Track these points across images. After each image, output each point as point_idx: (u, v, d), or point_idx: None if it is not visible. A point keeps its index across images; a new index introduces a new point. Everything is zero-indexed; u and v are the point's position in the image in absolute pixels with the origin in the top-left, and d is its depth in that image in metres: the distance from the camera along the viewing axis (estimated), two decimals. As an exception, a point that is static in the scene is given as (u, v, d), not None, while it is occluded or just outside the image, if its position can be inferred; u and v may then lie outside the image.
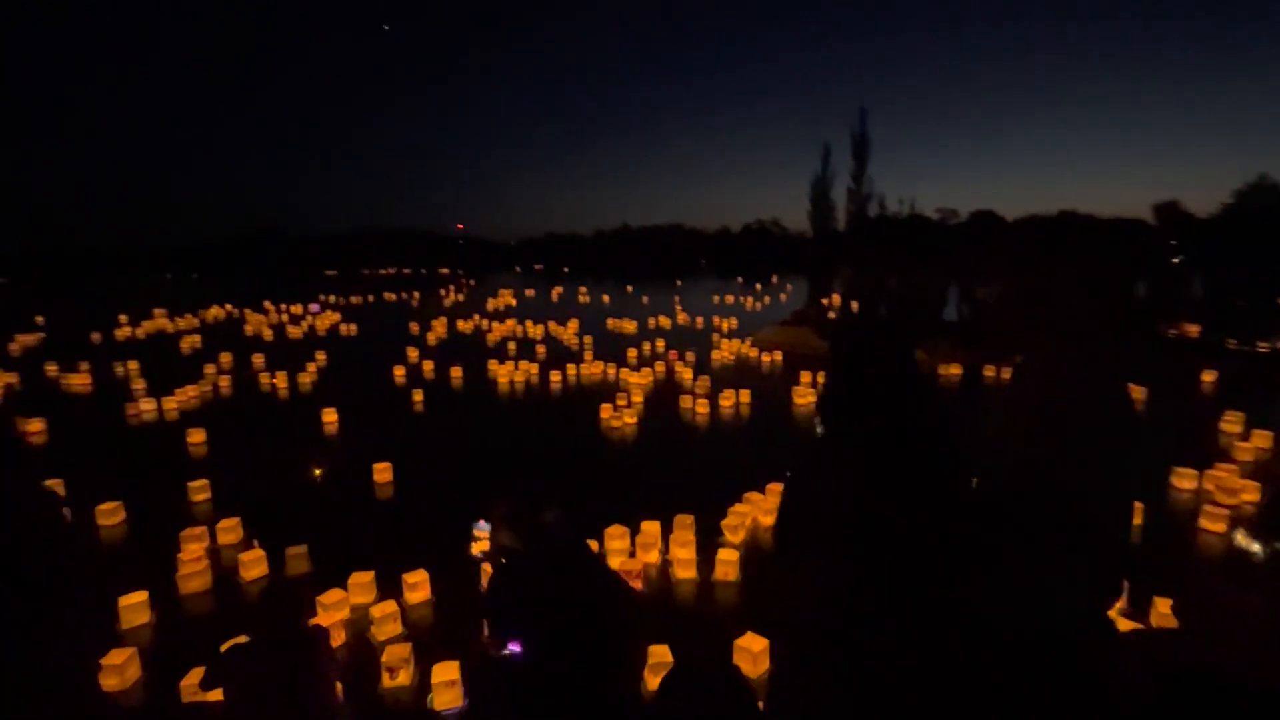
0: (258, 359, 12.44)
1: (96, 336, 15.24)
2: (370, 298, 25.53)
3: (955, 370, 10.60)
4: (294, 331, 16.82)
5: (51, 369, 11.38)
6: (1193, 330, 12.75)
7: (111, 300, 24.34)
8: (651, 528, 4.64)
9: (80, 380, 10.74)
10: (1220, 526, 4.86)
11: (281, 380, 10.66)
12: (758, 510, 5.09)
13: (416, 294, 27.61)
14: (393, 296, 26.54)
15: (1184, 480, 5.74)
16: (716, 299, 23.64)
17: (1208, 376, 9.69)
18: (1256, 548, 2.12)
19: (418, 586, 3.98)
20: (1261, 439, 6.80)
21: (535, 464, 6.77)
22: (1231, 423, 7.32)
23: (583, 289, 28.28)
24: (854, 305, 14.19)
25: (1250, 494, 5.44)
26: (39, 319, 18.36)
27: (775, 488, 5.42)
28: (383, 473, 6.13)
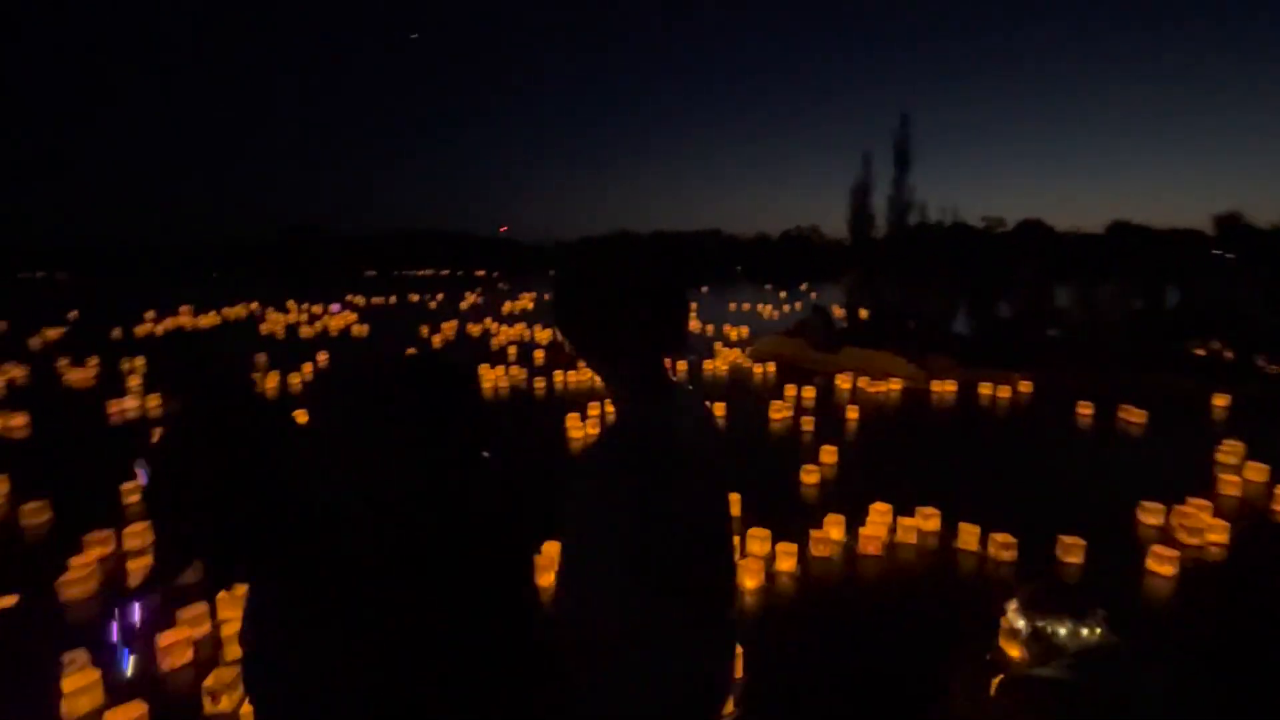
0: (260, 358, 12.79)
1: (117, 332, 15.96)
2: (393, 299, 26.10)
3: (950, 388, 10.12)
4: (306, 331, 17.28)
5: (63, 363, 11.93)
6: (1227, 351, 11.89)
7: (146, 296, 25.49)
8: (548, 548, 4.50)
9: (84, 375, 11.22)
10: (1169, 570, 4.44)
11: (272, 380, 10.93)
12: None
13: (440, 295, 28.07)
14: (416, 297, 27.08)
15: (1149, 515, 5.29)
16: (733, 306, 23.29)
17: (1219, 400, 8.99)
18: (1021, 625, 1.85)
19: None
20: (1256, 472, 6.24)
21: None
22: (1228, 453, 6.74)
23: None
24: (837, 312, 13.83)
25: (1218, 534, 4.97)
26: (72, 314, 19.37)
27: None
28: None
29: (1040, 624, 1.67)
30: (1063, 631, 1.65)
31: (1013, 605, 1.75)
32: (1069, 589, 1.77)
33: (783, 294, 29.33)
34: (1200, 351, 11.74)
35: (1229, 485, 5.94)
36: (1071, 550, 4.60)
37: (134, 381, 10.53)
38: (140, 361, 12.05)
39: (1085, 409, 8.75)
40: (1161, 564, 4.46)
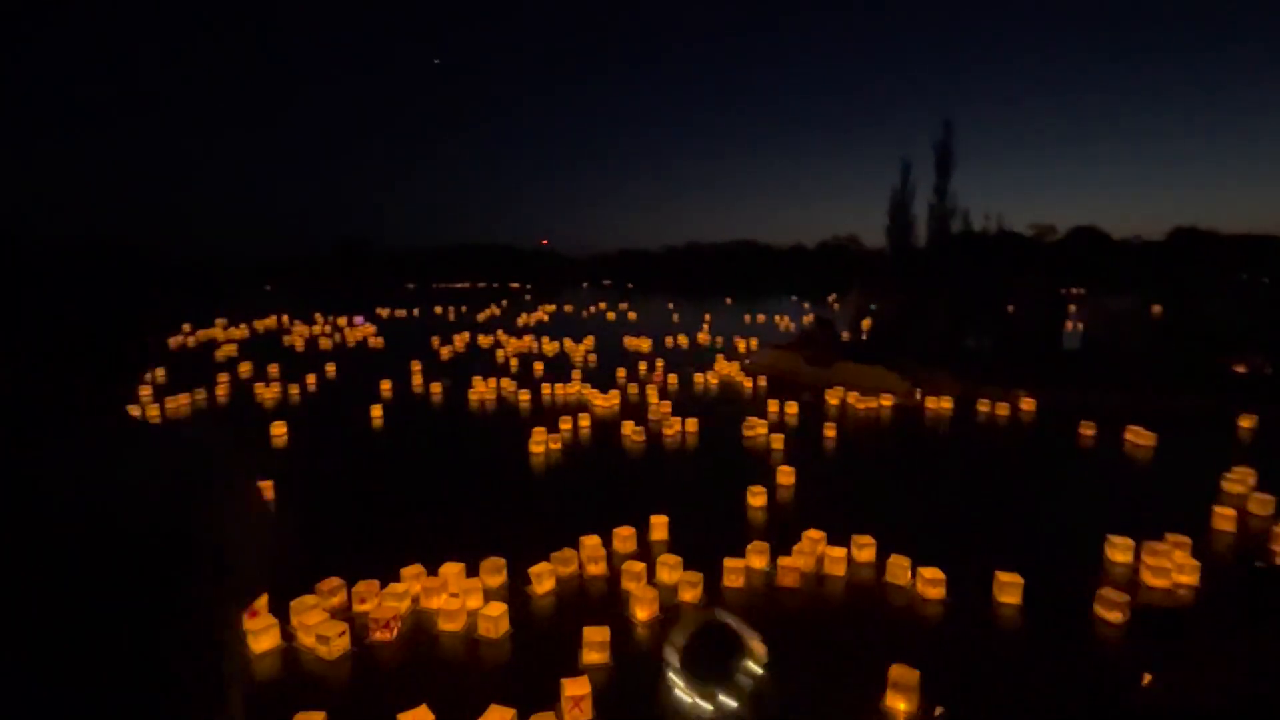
0: (273, 369, 13.16)
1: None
2: (416, 311, 26.63)
3: (946, 405, 9.56)
4: (325, 344, 17.76)
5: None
6: (1268, 367, 10.91)
7: (190, 308, 26.70)
8: (453, 569, 4.36)
9: (103, 385, 11.76)
10: (1117, 617, 3.97)
11: (274, 391, 11.22)
12: (559, 565, 4.60)
13: (464, 308, 28.54)
14: (440, 310, 27.58)
15: (1116, 552, 4.79)
16: (747, 318, 22.85)
17: (1245, 421, 8.18)
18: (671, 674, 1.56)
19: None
20: (1260, 504, 5.60)
21: (431, 484, 6.67)
22: (1235, 481, 6.09)
23: (623, 305, 28.31)
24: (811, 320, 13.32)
25: (1189, 576, 4.44)
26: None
27: (623, 532, 5.01)
28: (264, 490, 6.20)
29: (687, 672, 1.42)
30: (709, 682, 1.40)
31: (668, 649, 1.50)
32: (723, 630, 1.48)
33: (806, 304, 28.69)
34: (1240, 368, 10.80)
35: (1223, 519, 5.34)
36: (1007, 589, 4.18)
37: (145, 391, 10.93)
38: (161, 372, 12.56)
39: (1088, 429, 8.12)
40: (1110, 609, 3.99)
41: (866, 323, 13.14)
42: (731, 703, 1.40)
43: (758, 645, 1.52)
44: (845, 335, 13.81)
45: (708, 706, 1.37)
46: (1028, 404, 9.39)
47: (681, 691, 1.42)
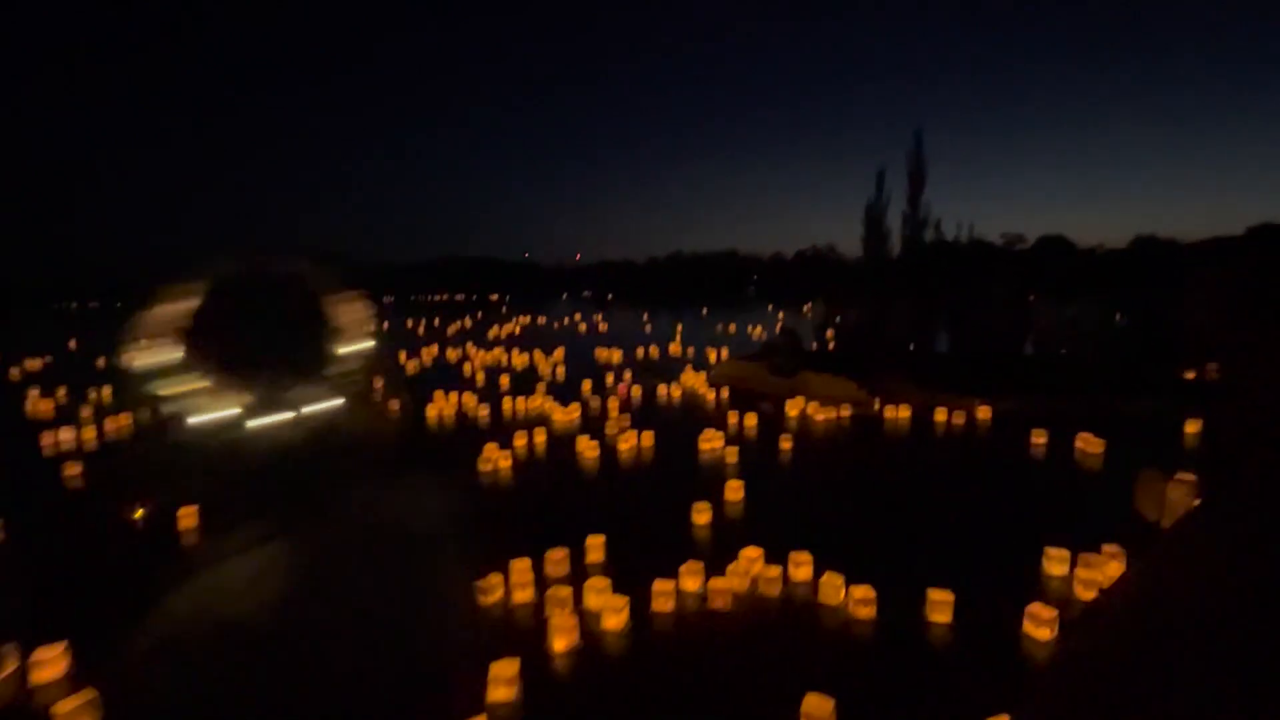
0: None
1: (101, 362, 16.27)
2: (386, 325, 26.32)
3: (904, 414, 9.53)
4: (287, 359, 17.40)
5: (33, 394, 12.12)
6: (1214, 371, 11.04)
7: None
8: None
9: (47, 406, 11.37)
10: (1045, 634, 3.90)
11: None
12: (481, 593, 4.45)
13: (436, 319, 28.27)
14: (411, 323, 27.27)
15: (1053, 564, 4.73)
16: (719, 328, 22.86)
17: (1191, 426, 8.25)
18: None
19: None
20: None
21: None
22: (1176, 486, 6.07)
23: (597, 315, 28.17)
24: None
25: (1122, 588, 4.39)
26: (73, 344, 19.92)
27: (555, 554, 4.86)
28: (187, 518, 5.95)
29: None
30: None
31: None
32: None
33: (781, 313, 28.78)
34: (1190, 375, 10.93)
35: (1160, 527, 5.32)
36: (938, 607, 4.09)
37: (85, 413, 10.57)
38: (107, 391, 12.20)
39: (1040, 437, 8.13)
40: (1038, 626, 3.92)
41: (830, 332, 13.15)
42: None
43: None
44: (814, 345, 13.83)
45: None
46: (984, 412, 9.41)
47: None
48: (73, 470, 7.58)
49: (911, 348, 11.75)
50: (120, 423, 9.88)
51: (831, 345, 12.78)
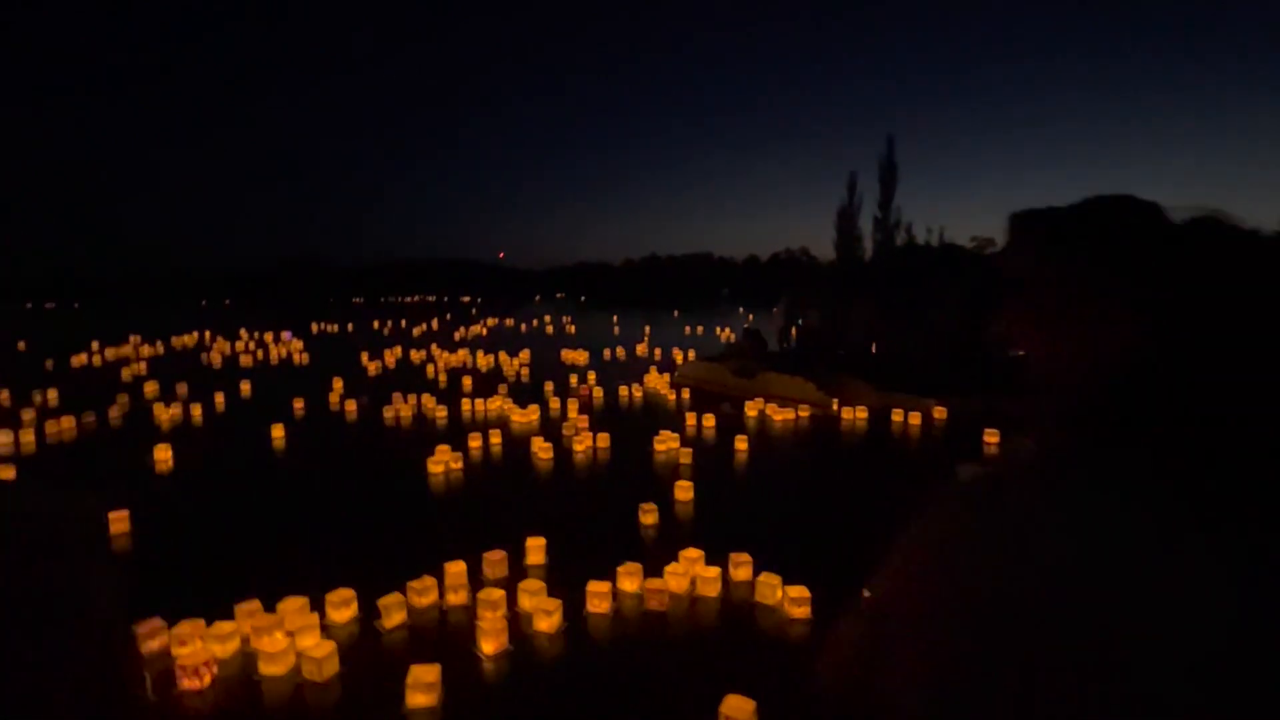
0: (181, 388, 12.46)
1: (49, 364, 15.72)
2: (350, 325, 25.87)
3: (861, 415, 9.61)
4: (246, 360, 16.98)
5: (-28, 396, 11.62)
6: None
7: (112, 326, 25.34)
8: (293, 604, 4.05)
9: (-16, 409, 10.91)
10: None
11: (174, 411, 10.57)
12: (414, 596, 4.34)
13: (404, 321, 27.87)
14: (377, 324, 26.85)
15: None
16: (688, 330, 22.92)
17: (939, 413, 8.43)
18: None
19: None
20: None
21: (315, 510, 6.28)
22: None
23: (565, 318, 28.03)
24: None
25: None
26: (20, 344, 19.20)
27: (494, 556, 4.77)
28: (119, 521, 5.74)
29: None
30: None
31: None
32: None
33: (750, 316, 28.97)
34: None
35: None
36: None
37: (28, 415, 10.16)
38: (54, 394, 11.78)
39: (992, 436, 8.25)
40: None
41: (794, 333, 13.23)
42: None
43: None
44: (779, 347, 13.90)
45: None
46: (940, 412, 9.52)
47: None
48: (5, 474, 7.26)
49: (873, 349, 11.86)
50: (63, 425, 9.53)
51: (793, 346, 12.86)
